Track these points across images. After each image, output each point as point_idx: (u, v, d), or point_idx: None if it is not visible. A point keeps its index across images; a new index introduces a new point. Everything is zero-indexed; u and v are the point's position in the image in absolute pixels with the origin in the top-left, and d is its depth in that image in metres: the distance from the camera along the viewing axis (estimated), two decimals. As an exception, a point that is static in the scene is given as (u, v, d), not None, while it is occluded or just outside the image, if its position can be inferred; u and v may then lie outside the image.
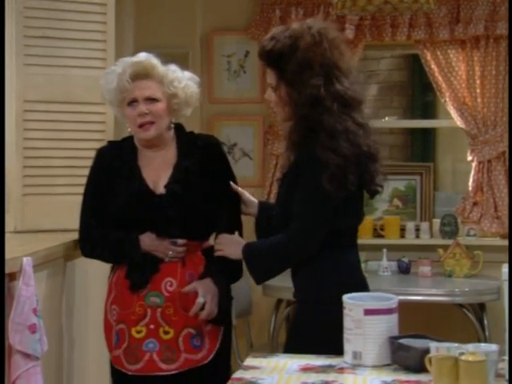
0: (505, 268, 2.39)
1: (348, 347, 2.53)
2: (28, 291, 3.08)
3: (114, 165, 3.25)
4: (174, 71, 3.25)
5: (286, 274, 2.98)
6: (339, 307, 2.60)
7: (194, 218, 3.19)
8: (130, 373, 3.18)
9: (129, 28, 5.23)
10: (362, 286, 2.89)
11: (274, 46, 2.86)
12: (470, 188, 5.46)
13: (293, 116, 2.89)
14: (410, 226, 5.58)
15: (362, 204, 3.01)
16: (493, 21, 5.29)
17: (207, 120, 5.72)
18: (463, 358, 2.22)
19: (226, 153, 3.47)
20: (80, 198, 3.30)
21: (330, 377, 2.41)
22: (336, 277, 2.86)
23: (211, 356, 3.19)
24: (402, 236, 5.59)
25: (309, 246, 2.84)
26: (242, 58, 5.70)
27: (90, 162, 3.31)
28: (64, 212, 3.66)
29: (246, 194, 3.28)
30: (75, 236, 3.33)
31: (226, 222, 3.24)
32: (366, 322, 2.50)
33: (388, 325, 2.51)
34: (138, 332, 3.17)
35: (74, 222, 3.30)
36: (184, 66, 3.35)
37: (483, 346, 2.39)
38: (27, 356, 3.06)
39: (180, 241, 3.17)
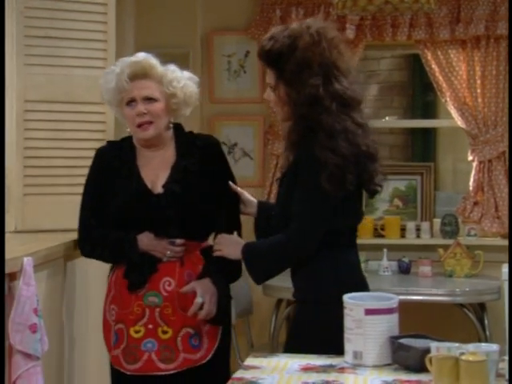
0: (505, 268, 2.39)
1: (349, 347, 2.53)
2: (28, 291, 3.08)
3: (113, 165, 3.26)
4: (172, 71, 3.25)
5: (286, 273, 2.98)
6: (339, 307, 2.60)
7: (192, 217, 3.19)
8: (128, 372, 3.18)
9: (129, 28, 5.23)
10: (361, 285, 2.89)
11: (273, 45, 2.86)
12: (471, 188, 5.46)
13: (292, 116, 2.89)
14: (411, 225, 5.58)
15: (361, 204, 3.01)
16: (493, 21, 5.29)
17: (207, 120, 5.73)
18: (464, 357, 2.22)
19: (226, 153, 3.47)
20: (80, 198, 3.30)
21: (331, 376, 2.41)
22: (335, 276, 2.86)
23: (210, 356, 3.19)
24: (403, 236, 5.59)
25: (308, 245, 2.84)
26: (243, 58, 5.70)
27: (90, 162, 3.32)
28: (64, 212, 3.66)
29: (245, 193, 3.28)
30: (75, 236, 3.33)
31: (224, 222, 3.24)
32: (366, 321, 2.50)
33: (388, 325, 2.51)
34: (137, 332, 3.17)
35: (75, 222, 3.30)
36: (184, 65, 3.35)
37: (484, 345, 2.39)
38: (28, 356, 3.07)
39: (178, 241, 3.17)
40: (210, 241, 3.25)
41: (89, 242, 3.29)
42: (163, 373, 3.15)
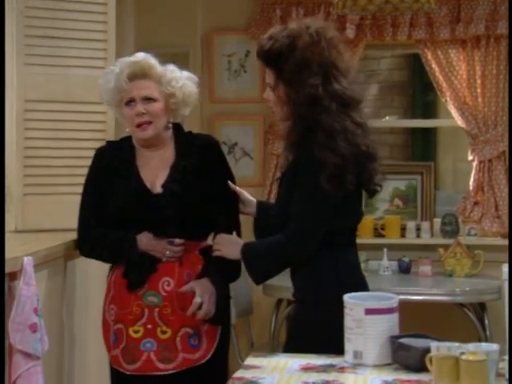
0: (505, 268, 2.39)
1: (349, 346, 2.53)
2: (29, 291, 3.08)
3: (113, 164, 3.26)
4: (171, 71, 3.25)
5: (286, 273, 2.98)
6: (338, 307, 2.60)
7: (191, 217, 3.19)
8: (127, 372, 3.18)
9: (129, 27, 5.23)
10: (361, 285, 2.89)
11: (273, 45, 2.86)
12: (471, 187, 5.46)
13: (291, 115, 2.89)
14: (411, 225, 5.58)
15: (360, 203, 3.01)
16: (493, 20, 5.29)
17: (208, 119, 5.73)
18: (464, 357, 2.22)
19: (226, 152, 3.47)
20: (80, 198, 3.30)
21: (331, 376, 2.41)
22: (335, 276, 2.86)
23: (209, 356, 3.19)
24: (403, 235, 5.59)
25: (307, 245, 2.83)
26: (243, 58, 5.70)
27: (90, 162, 3.32)
28: (65, 212, 3.66)
29: (245, 193, 3.28)
30: (76, 236, 3.33)
31: (224, 222, 3.24)
32: (366, 321, 2.50)
33: (389, 324, 2.52)
34: (136, 332, 3.17)
35: (75, 222, 3.30)
36: (184, 65, 3.36)
37: (484, 345, 2.39)
38: (28, 355, 3.06)
39: (177, 240, 3.17)
40: (210, 241, 3.25)
41: (88, 242, 3.29)
42: (162, 373, 3.15)
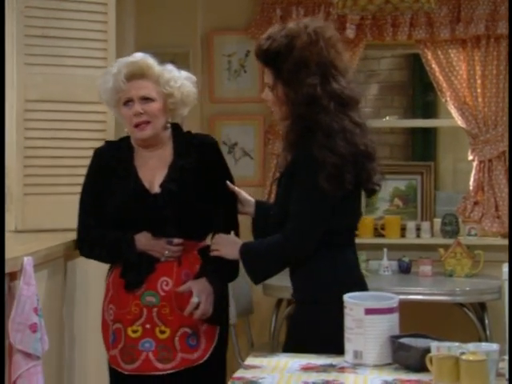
0: (505, 267, 2.39)
1: (349, 346, 2.53)
2: (29, 291, 3.08)
3: (111, 164, 3.26)
4: (170, 71, 3.25)
5: (287, 273, 2.98)
6: (337, 307, 2.60)
7: (189, 217, 3.19)
8: (126, 372, 3.18)
9: (129, 27, 5.23)
10: (360, 285, 2.88)
11: (271, 45, 2.86)
12: (471, 187, 5.46)
13: (290, 115, 2.89)
14: (411, 225, 5.57)
15: (359, 203, 3.01)
16: (493, 20, 5.29)
17: (208, 119, 5.73)
18: (464, 357, 2.22)
19: (226, 152, 3.47)
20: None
21: (331, 376, 2.41)
22: (333, 276, 2.86)
23: (207, 356, 3.19)
24: (403, 235, 5.59)
25: (306, 245, 2.83)
26: (243, 58, 5.70)
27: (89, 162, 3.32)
28: (65, 211, 3.66)
29: (243, 193, 3.28)
30: (75, 236, 3.33)
31: (222, 222, 3.24)
32: (366, 321, 2.50)
33: (389, 324, 2.51)
34: (134, 331, 3.17)
35: (75, 222, 3.31)
36: (184, 65, 3.36)
37: (484, 345, 2.39)
38: (28, 355, 3.06)
39: (176, 240, 3.17)
40: (208, 241, 3.25)
41: (87, 243, 3.29)
42: (161, 372, 3.15)
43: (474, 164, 5.44)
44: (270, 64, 2.89)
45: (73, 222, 3.32)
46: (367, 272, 5.05)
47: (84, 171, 3.34)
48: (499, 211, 5.37)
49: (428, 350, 2.35)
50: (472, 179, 5.45)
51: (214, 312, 3.16)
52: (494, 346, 2.34)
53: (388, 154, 7.87)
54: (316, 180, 2.75)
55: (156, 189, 3.20)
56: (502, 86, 5.32)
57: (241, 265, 2.99)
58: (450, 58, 5.43)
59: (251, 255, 2.92)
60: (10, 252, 3.08)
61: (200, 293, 3.12)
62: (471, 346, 2.32)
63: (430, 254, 5.32)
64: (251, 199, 3.26)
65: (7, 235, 3.33)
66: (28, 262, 3.11)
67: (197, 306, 3.12)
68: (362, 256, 5.10)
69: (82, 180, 3.33)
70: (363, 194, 2.99)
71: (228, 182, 3.26)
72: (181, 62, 3.36)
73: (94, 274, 3.67)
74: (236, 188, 3.27)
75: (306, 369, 2.48)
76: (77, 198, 3.32)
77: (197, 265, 3.22)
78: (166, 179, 3.21)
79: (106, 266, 3.33)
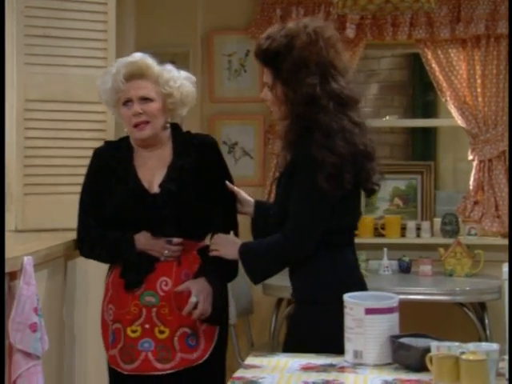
0: (505, 267, 2.39)
1: (349, 346, 2.53)
2: (29, 290, 3.08)
3: (111, 164, 3.26)
4: (169, 71, 3.25)
5: (287, 272, 2.98)
6: (337, 307, 2.60)
7: (188, 216, 3.19)
8: (125, 372, 3.18)
9: (129, 27, 5.23)
10: (359, 284, 2.88)
11: (270, 44, 2.86)
12: (471, 187, 5.46)
13: (289, 115, 2.89)
14: (411, 225, 5.57)
15: (358, 203, 3.01)
16: (493, 20, 5.29)
17: (208, 119, 5.73)
18: (464, 357, 2.22)
19: (226, 152, 3.47)
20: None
21: (331, 376, 2.41)
22: (333, 276, 2.86)
23: (206, 355, 3.19)
24: (403, 235, 5.59)
25: (306, 245, 2.83)
26: (243, 57, 5.70)
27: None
28: (65, 211, 3.66)
29: (242, 193, 3.28)
30: (76, 235, 3.34)
31: (221, 222, 3.24)
32: (366, 321, 2.50)
33: (389, 324, 2.51)
34: (134, 331, 3.17)
35: (75, 222, 3.31)
36: (185, 65, 3.36)
37: (484, 345, 2.39)
38: (28, 355, 3.06)
39: (175, 240, 3.17)
40: (207, 241, 3.25)
41: (87, 243, 3.29)
42: (160, 372, 3.15)
43: (474, 164, 5.44)
44: (269, 64, 2.89)
45: (73, 221, 3.32)
46: (367, 272, 5.05)
47: (84, 171, 3.34)
48: (499, 211, 5.37)
49: (428, 350, 2.35)
50: (472, 179, 5.45)
51: (213, 312, 3.16)
52: (494, 346, 2.34)
53: (388, 153, 7.87)
54: (315, 180, 2.75)
55: (155, 189, 3.20)
56: (502, 86, 5.32)
57: (240, 265, 2.99)
58: (450, 57, 5.43)
59: (250, 255, 2.92)
60: (10, 252, 3.08)
61: (199, 292, 3.12)
62: (471, 346, 2.32)
63: (430, 254, 5.32)
64: (250, 199, 3.26)
65: (7, 235, 3.33)
66: (28, 261, 3.11)
67: (195, 306, 3.12)
68: (362, 256, 5.10)
69: (82, 180, 3.33)
70: (363, 193, 2.99)
71: (227, 182, 3.26)
72: (181, 62, 3.37)
73: (94, 274, 3.67)
74: (235, 188, 3.27)
75: (306, 368, 2.48)
76: (77, 198, 3.32)
77: (196, 265, 3.21)
78: (166, 179, 3.21)
79: (105, 266, 3.34)
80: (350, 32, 5.38)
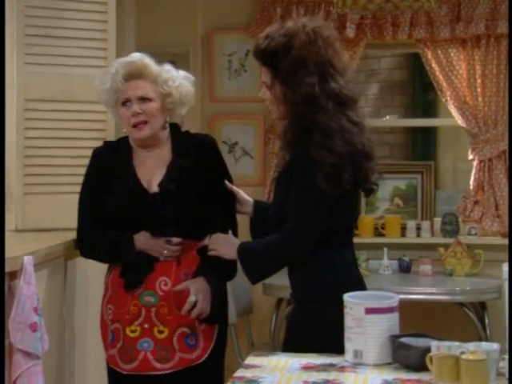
0: (505, 267, 2.39)
1: (349, 346, 2.53)
2: (29, 290, 3.07)
3: (110, 164, 3.26)
4: (168, 71, 3.25)
5: (287, 272, 2.98)
6: (336, 306, 2.61)
7: (188, 216, 3.19)
8: (124, 372, 3.18)
9: (130, 27, 5.22)
10: (358, 284, 2.88)
11: (269, 44, 2.86)
12: (471, 187, 5.46)
13: (288, 114, 2.89)
14: (411, 224, 5.58)
15: (357, 202, 3.01)
16: (493, 19, 5.29)
17: (208, 119, 5.73)
18: (464, 356, 2.22)
19: (226, 152, 3.47)
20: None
21: (331, 375, 2.41)
22: (332, 276, 2.86)
23: (206, 355, 3.18)
24: (403, 235, 5.59)
25: (304, 245, 2.83)
26: (243, 57, 5.70)
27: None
28: (65, 211, 3.66)
29: (241, 192, 3.27)
30: (75, 235, 3.34)
31: (220, 221, 3.24)
32: (366, 320, 2.50)
33: (389, 323, 2.51)
34: (133, 331, 3.17)
35: (75, 221, 3.31)
36: (185, 65, 3.36)
37: (484, 344, 2.39)
38: (28, 355, 3.06)
39: (175, 239, 3.17)
40: (206, 240, 3.25)
41: (87, 243, 3.30)
42: (159, 372, 3.15)
43: (474, 163, 5.44)
44: (267, 63, 2.89)
45: (73, 221, 3.32)
46: (367, 271, 5.05)
47: (84, 171, 3.34)
48: (499, 210, 5.37)
49: (428, 350, 2.35)
50: (472, 178, 5.46)
51: (212, 311, 3.16)
52: (494, 346, 2.34)
53: (388, 153, 7.88)
54: (314, 179, 2.75)
55: (154, 188, 3.20)
56: (503, 86, 5.32)
57: (239, 264, 2.99)
58: (450, 57, 5.43)
59: (249, 255, 2.92)
60: (10, 251, 3.08)
61: (197, 292, 3.12)
62: (471, 346, 2.32)
63: (430, 254, 5.32)
64: (250, 199, 3.26)
65: (7, 234, 3.33)
66: (28, 261, 3.11)
67: (194, 305, 3.12)
68: (362, 255, 5.10)
69: (82, 179, 3.33)
70: (361, 193, 2.99)
71: (227, 182, 3.26)
72: (181, 62, 3.37)
73: (94, 274, 3.67)
74: (234, 187, 3.27)
75: (307, 368, 2.48)
76: (77, 198, 3.32)
77: (196, 265, 3.21)
78: (165, 179, 3.21)
79: (105, 266, 3.34)
80: (350, 32, 5.38)
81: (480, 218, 5.42)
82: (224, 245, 3.02)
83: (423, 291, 4.94)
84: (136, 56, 3.24)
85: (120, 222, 3.19)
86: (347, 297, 2.57)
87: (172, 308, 3.15)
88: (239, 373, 2.45)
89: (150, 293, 3.16)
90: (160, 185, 3.20)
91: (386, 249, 5.32)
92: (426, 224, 5.58)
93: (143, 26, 5.41)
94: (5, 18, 3.65)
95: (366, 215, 5.61)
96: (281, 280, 3.41)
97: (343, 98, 2.84)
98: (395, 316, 2.54)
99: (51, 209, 3.87)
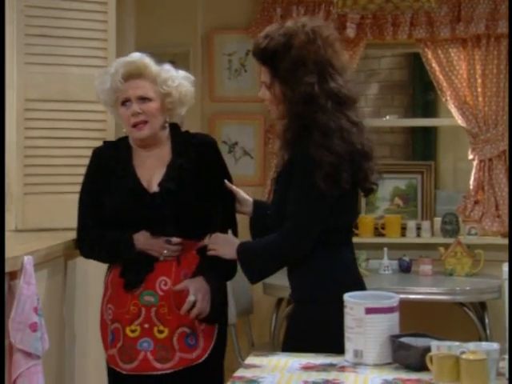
0: (505, 267, 2.39)
1: (349, 346, 2.53)
2: (29, 290, 3.07)
3: (110, 164, 3.26)
4: (167, 70, 3.25)
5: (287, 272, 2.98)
6: (335, 306, 2.61)
7: (187, 215, 3.19)
8: (124, 372, 3.18)
9: (130, 27, 5.22)
10: (358, 284, 2.88)
11: (268, 43, 2.86)
12: (471, 187, 5.46)
13: (287, 114, 2.89)
14: (411, 224, 5.57)
15: (356, 202, 3.00)
16: (494, 19, 5.29)
17: (208, 118, 5.73)
18: (464, 356, 2.22)
19: (226, 152, 3.47)
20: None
21: (331, 375, 2.41)
22: (331, 275, 2.86)
23: (206, 355, 3.18)
24: (403, 235, 5.59)
25: (303, 244, 2.83)
26: (243, 57, 5.70)
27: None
28: (65, 211, 3.66)
29: (241, 192, 3.27)
30: (75, 235, 3.34)
31: (220, 221, 3.24)
32: (367, 320, 2.50)
33: (389, 323, 2.51)
34: (133, 331, 3.17)
35: (75, 221, 3.31)
36: (185, 64, 3.36)
37: (484, 344, 2.39)
38: (28, 355, 3.06)
39: (175, 239, 3.17)
40: (206, 240, 3.25)
41: (87, 243, 3.30)
42: (159, 372, 3.15)
43: (475, 163, 5.44)
44: (267, 62, 2.89)
45: (73, 221, 3.32)
46: (367, 271, 5.05)
47: (84, 171, 3.34)
48: (499, 210, 5.37)
49: (428, 350, 2.35)
50: (472, 178, 5.45)
51: (212, 311, 3.16)
52: (495, 346, 2.34)
53: (388, 153, 7.88)
54: (313, 179, 2.75)
55: (154, 188, 3.20)
56: (503, 85, 5.32)
57: (239, 264, 2.99)
58: (451, 57, 5.43)
59: (248, 255, 2.92)
60: (10, 251, 3.08)
61: (197, 291, 3.12)
62: (471, 346, 2.32)
63: (430, 254, 5.32)
64: (249, 198, 3.26)
65: (7, 234, 3.33)
66: (28, 261, 3.11)
67: (193, 305, 3.12)
68: (362, 255, 5.11)
69: (81, 179, 3.33)
70: (361, 193, 2.99)
71: (226, 181, 3.26)
72: (181, 62, 3.37)
73: (94, 274, 3.67)
74: (234, 187, 3.27)
75: (307, 368, 2.48)
76: (77, 198, 3.32)
77: (195, 264, 3.21)
78: (165, 178, 3.21)
79: (105, 266, 3.34)
80: (351, 31, 5.38)
81: (480, 217, 5.42)
82: (223, 244, 3.02)
83: (423, 291, 4.94)
84: (135, 56, 3.24)
85: (120, 222, 3.19)
86: (347, 297, 2.56)
87: (172, 308, 3.15)
88: (239, 373, 2.45)
89: (150, 292, 3.16)
90: (160, 184, 3.20)
91: (386, 249, 5.32)
92: (426, 224, 5.58)
93: (143, 26, 5.41)
94: (5, 18, 3.65)
95: (366, 215, 5.61)
96: (281, 280, 3.41)
97: (342, 98, 2.84)
98: (395, 316, 2.54)
99: (51, 209, 3.87)
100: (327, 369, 2.47)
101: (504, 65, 5.32)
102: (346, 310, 2.54)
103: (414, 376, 2.38)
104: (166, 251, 3.17)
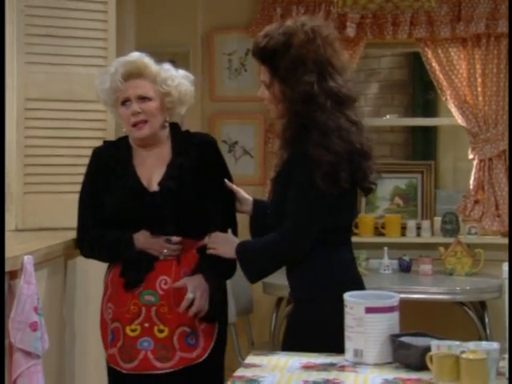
0: (505, 266, 2.39)
1: (349, 345, 2.53)
2: (29, 289, 3.08)
3: (110, 164, 3.27)
4: (167, 70, 3.25)
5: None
6: (334, 305, 2.61)
7: (187, 215, 3.19)
8: (124, 371, 3.18)
9: (130, 26, 5.22)
10: (356, 283, 2.88)
11: (268, 42, 2.86)
12: (471, 186, 5.46)
13: (286, 113, 2.88)
14: (411, 224, 5.57)
15: (355, 202, 3.01)
16: (494, 19, 5.29)
17: (208, 118, 5.73)
18: (464, 356, 2.22)
19: (226, 151, 3.47)
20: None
21: (331, 375, 2.41)
22: (329, 275, 2.86)
23: (206, 354, 3.18)
24: (403, 234, 5.59)
25: (301, 244, 2.83)
26: (243, 57, 5.70)
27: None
28: (65, 210, 3.66)
29: (241, 191, 3.27)
30: (76, 234, 3.34)
31: (220, 220, 3.24)
32: (367, 320, 2.50)
33: (389, 323, 2.51)
34: (133, 330, 3.17)
35: (75, 221, 3.31)
36: (185, 64, 3.36)
37: (484, 344, 2.39)
38: (28, 354, 3.06)
39: (175, 238, 3.17)
40: (206, 239, 3.25)
41: (87, 243, 3.30)
42: (159, 371, 3.15)
43: (475, 163, 5.44)
44: (266, 62, 2.89)
45: (73, 220, 3.32)
46: (367, 271, 5.05)
47: (84, 170, 3.34)
48: (499, 210, 5.37)
49: (428, 349, 2.35)
50: (472, 178, 5.45)
51: (211, 309, 3.16)
52: (495, 345, 2.34)
53: (388, 152, 7.88)
54: (312, 178, 2.75)
55: (154, 187, 3.20)
56: (503, 85, 5.32)
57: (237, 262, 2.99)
58: (451, 56, 5.43)
59: (247, 254, 2.92)
60: (10, 251, 3.08)
61: (195, 289, 3.12)
62: (471, 345, 2.32)
63: (430, 253, 5.32)
64: (249, 198, 3.26)
65: (7, 234, 3.33)
66: (28, 260, 3.11)
67: (192, 302, 3.12)
68: (362, 255, 5.11)
69: (82, 179, 3.33)
70: (360, 192, 2.99)
71: (226, 181, 3.26)
72: (181, 61, 3.37)
73: (94, 273, 3.67)
74: (234, 186, 3.27)
75: (307, 367, 2.48)
76: (77, 197, 3.32)
77: (195, 263, 3.21)
78: (165, 177, 3.21)
79: (105, 265, 3.34)
80: (351, 31, 5.38)
81: (480, 217, 5.42)
82: (223, 244, 3.02)
83: (423, 290, 4.94)
84: (135, 55, 3.25)
85: (120, 221, 3.19)
86: (347, 296, 2.56)
87: (172, 307, 3.15)
88: (239, 372, 2.45)
89: (150, 292, 3.16)
90: (160, 183, 3.20)
91: (386, 248, 5.32)
92: (426, 223, 5.58)
93: (143, 26, 5.40)
94: (5, 18, 3.65)
95: (366, 214, 5.61)
96: (281, 279, 3.40)
97: (342, 97, 2.84)
98: (395, 315, 2.54)
99: (51, 208, 3.87)
100: (327, 368, 2.47)
101: (504, 64, 5.32)
102: (347, 310, 2.54)
103: (414, 375, 2.38)
104: (166, 250, 3.17)
